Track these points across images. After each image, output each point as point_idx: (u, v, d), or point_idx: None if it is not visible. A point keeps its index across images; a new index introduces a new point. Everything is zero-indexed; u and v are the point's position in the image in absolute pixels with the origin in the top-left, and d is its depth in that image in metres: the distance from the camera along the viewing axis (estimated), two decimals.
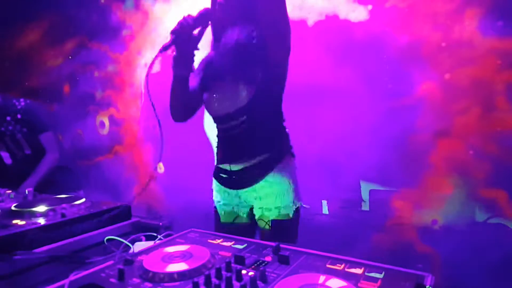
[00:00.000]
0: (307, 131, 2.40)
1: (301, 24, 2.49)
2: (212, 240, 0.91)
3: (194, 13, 1.45)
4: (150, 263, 0.75)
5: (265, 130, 1.45)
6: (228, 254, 0.81)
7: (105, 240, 1.02)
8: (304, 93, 2.45)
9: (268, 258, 0.77)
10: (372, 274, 0.69)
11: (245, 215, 1.55)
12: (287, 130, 1.52)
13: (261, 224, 1.47)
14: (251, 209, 1.53)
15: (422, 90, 2.16)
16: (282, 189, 1.44)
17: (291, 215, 1.45)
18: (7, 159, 2.54)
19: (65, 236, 1.03)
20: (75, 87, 4.05)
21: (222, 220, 1.59)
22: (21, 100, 2.45)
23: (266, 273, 0.69)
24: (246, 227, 1.56)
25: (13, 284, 0.86)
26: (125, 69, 3.65)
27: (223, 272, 0.70)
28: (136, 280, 0.70)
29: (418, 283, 0.63)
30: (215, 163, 1.58)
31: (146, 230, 1.02)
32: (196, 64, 1.50)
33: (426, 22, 2.13)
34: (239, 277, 0.67)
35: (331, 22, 2.42)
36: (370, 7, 2.30)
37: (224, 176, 1.53)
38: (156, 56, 1.33)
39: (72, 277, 0.72)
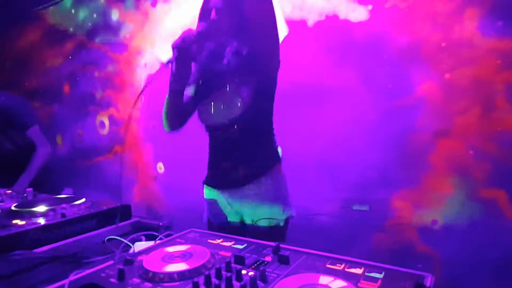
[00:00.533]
0: (306, 131, 2.40)
1: (301, 24, 2.49)
2: (212, 240, 0.91)
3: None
4: (150, 263, 0.75)
5: (256, 140, 1.52)
6: (228, 254, 0.81)
7: (105, 239, 1.02)
8: (304, 93, 2.45)
9: (268, 258, 0.77)
10: (372, 274, 0.69)
11: (237, 220, 1.59)
12: (276, 143, 1.58)
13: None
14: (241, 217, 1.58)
15: (422, 90, 2.16)
16: (272, 200, 1.47)
17: (281, 224, 1.49)
18: None
19: (65, 236, 1.03)
20: (75, 87, 4.05)
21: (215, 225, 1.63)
22: None
23: (266, 273, 0.69)
24: (237, 227, 1.59)
25: (13, 284, 0.86)
26: (125, 69, 3.65)
27: (223, 272, 0.70)
28: (136, 280, 0.70)
29: (418, 283, 0.63)
30: (208, 170, 1.63)
31: (146, 230, 1.02)
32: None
33: (426, 22, 2.13)
34: (239, 277, 0.67)
35: (331, 22, 2.41)
36: (370, 7, 2.30)
37: (214, 177, 1.55)
38: (159, 69, 1.36)
39: (72, 277, 0.72)
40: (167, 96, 1.49)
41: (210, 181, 1.61)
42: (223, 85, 1.46)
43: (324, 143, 2.32)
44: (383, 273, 0.69)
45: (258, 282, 0.66)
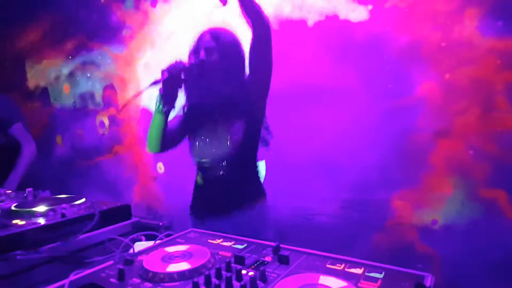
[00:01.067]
0: (306, 131, 2.40)
1: (301, 24, 2.49)
2: (212, 240, 0.91)
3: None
4: (150, 263, 0.75)
5: (244, 174, 1.58)
6: (228, 254, 0.81)
7: (107, 239, 1.02)
8: (304, 93, 2.45)
9: (268, 258, 0.77)
10: (372, 274, 0.69)
11: None
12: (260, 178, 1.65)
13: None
14: None
15: (422, 90, 2.16)
16: (254, 230, 1.54)
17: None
18: None
19: (65, 236, 1.03)
20: (75, 87, 4.05)
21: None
22: None
23: (266, 273, 0.69)
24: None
25: (13, 284, 0.86)
26: (125, 69, 3.65)
27: (223, 272, 0.70)
28: (136, 280, 0.70)
29: (418, 283, 0.63)
30: (193, 199, 1.71)
31: (146, 230, 1.02)
32: (177, 107, 1.60)
33: (426, 22, 2.13)
34: (239, 277, 0.67)
35: (331, 22, 2.41)
36: (370, 7, 2.30)
37: (200, 211, 1.66)
38: (146, 88, 1.43)
39: (72, 277, 0.72)
40: (152, 117, 1.55)
41: (195, 212, 1.67)
42: (212, 122, 1.55)
43: (324, 143, 2.32)
44: (383, 273, 0.69)
45: (258, 282, 0.66)
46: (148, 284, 0.68)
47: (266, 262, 0.75)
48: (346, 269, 0.71)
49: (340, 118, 2.29)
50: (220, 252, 0.82)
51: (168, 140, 1.63)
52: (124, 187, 3.64)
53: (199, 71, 1.50)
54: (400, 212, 2.26)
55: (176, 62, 1.45)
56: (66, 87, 4.13)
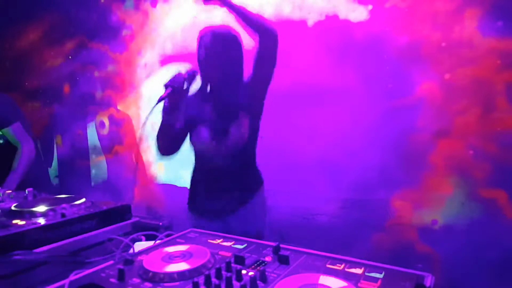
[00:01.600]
0: (307, 131, 2.40)
1: (301, 24, 2.49)
2: (212, 240, 0.91)
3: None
4: (150, 263, 0.75)
5: (244, 163, 1.63)
6: (228, 254, 0.81)
7: (107, 239, 1.02)
8: (304, 93, 2.45)
9: (268, 258, 0.77)
10: (372, 274, 0.69)
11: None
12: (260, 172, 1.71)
13: None
14: None
15: (422, 90, 2.16)
16: (253, 214, 1.62)
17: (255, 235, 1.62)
18: None
19: (65, 236, 1.03)
20: (75, 87, 4.05)
21: None
22: None
23: (266, 273, 0.69)
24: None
25: (13, 284, 0.86)
26: (125, 69, 3.65)
27: (223, 272, 0.70)
28: (136, 280, 0.70)
29: (418, 283, 0.63)
30: (190, 195, 1.73)
31: (146, 230, 1.02)
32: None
33: (426, 22, 2.13)
34: (239, 277, 0.67)
35: (331, 22, 2.42)
36: (370, 7, 2.30)
37: (200, 206, 1.68)
38: (154, 107, 1.45)
39: (72, 277, 0.72)
40: (159, 127, 1.59)
41: (194, 208, 1.68)
42: (214, 116, 1.59)
43: (324, 143, 2.32)
44: (383, 273, 0.69)
45: (258, 282, 0.66)
46: (148, 284, 0.68)
47: (266, 262, 0.75)
48: (346, 269, 0.71)
49: (340, 118, 2.29)
50: (220, 252, 0.82)
51: (179, 142, 1.67)
52: (124, 187, 3.64)
53: (202, 72, 1.54)
54: (400, 212, 2.26)
55: (176, 74, 1.49)
56: (66, 87, 4.12)
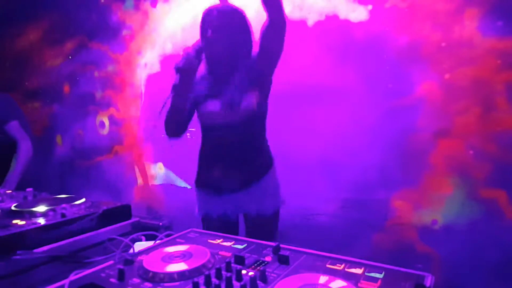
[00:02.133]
0: (307, 131, 2.40)
1: (301, 24, 2.49)
2: (212, 240, 0.91)
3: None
4: (150, 263, 0.75)
5: (255, 140, 1.62)
6: (228, 254, 0.81)
7: (107, 239, 1.02)
8: (304, 93, 2.45)
9: (268, 258, 0.77)
10: (372, 274, 0.69)
11: (232, 218, 1.67)
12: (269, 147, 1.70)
13: None
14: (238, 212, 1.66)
15: (422, 90, 2.16)
16: (268, 194, 1.61)
17: (274, 213, 1.64)
18: None
19: (65, 236, 1.03)
20: (75, 87, 4.05)
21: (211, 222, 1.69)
22: None
23: (266, 273, 0.69)
24: (232, 223, 1.68)
25: (13, 284, 0.86)
26: (125, 69, 3.65)
27: (223, 272, 0.70)
28: (136, 280, 0.70)
29: (418, 283, 0.63)
30: (199, 171, 1.71)
31: (146, 230, 1.02)
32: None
33: (426, 22, 2.13)
34: (239, 277, 0.67)
35: (331, 22, 2.42)
36: (370, 7, 2.30)
37: (211, 182, 1.65)
38: (169, 95, 1.46)
39: (72, 277, 0.72)
40: (169, 108, 1.57)
41: (206, 184, 1.66)
42: (228, 88, 1.55)
43: (324, 143, 2.32)
44: (383, 273, 0.69)
45: (258, 282, 0.66)
46: (148, 284, 0.68)
47: (266, 262, 0.75)
48: (346, 269, 0.71)
49: (340, 118, 2.29)
50: (220, 252, 0.82)
51: (187, 122, 1.66)
52: (124, 187, 3.64)
53: (208, 50, 1.53)
54: (400, 212, 2.26)
55: (185, 54, 1.47)
56: (66, 87, 4.12)
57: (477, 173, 2.02)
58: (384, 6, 2.25)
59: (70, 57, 4.01)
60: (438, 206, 2.14)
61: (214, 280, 0.67)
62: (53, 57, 4.11)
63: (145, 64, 3.51)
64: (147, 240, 1.01)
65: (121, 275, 0.71)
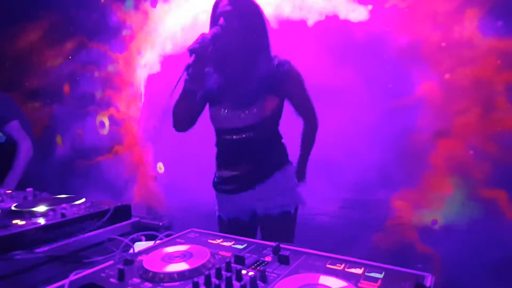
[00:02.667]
0: None
1: (301, 24, 2.49)
2: (212, 240, 0.91)
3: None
4: (150, 263, 0.75)
5: (270, 137, 1.60)
6: (228, 254, 0.81)
7: (107, 239, 1.02)
8: None
9: (268, 258, 0.77)
10: (372, 274, 0.69)
11: (247, 218, 1.65)
12: (285, 144, 1.68)
13: None
14: (253, 211, 1.59)
15: (422, 90, 2.16)
16: (284, 191, 1.57)
17: (292, 211, 1.58)
18: None
19: (65, 236, 1.03)
20: (75, 87, 4.05)
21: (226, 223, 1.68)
22: None
23: (266, 273, 0.69)
24: (247, 225, 1.65)
25: (13, 284, 0.86)
26: (125, 69, 3.65)
27: (223, 272, 0.70)
28: (136, 280, 0.70)
29: (418, 283, 0.63)
30: (216, 173, 1.68)
31: (146, 230, 1.02)
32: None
33: (426, 22, 2.13)
34: (239, 277, 0.67)
35: (331, 22, 2.42)
36: (370, 7, 2.30)
37: (226, 182, 1.62)
38: (181, 75, 1.38)
39: (72, 277, 0.72)
40: (180, 93, 1.49)
41: (222, 186, 1.64)
42: (242, 89, 1.51)
43: (324, 143, 2.32)
44: (383, 273, 0.69)
45: (258, 282, 0.66)
46: (148, 284, 0.68)
47: (266, 262, 0.75)
48: (346, 269, 0.71)
49: (340, 118, 2.29)
50: (220, 252, 0.82)
51: (196, 115, 1.62)
52: (124, 187, 3.64)
53: (223, 36, 1.44)
54: (400, 212, 2.26)
55: (200, 37, 1.39)
56: (66, 87, 4.13)
57: (477, 173, 2.02)
58: (384, 6, 2.25)
59: (70, 57, 4.01)
60: (438, 206, 2.14)
61: (214, 280, 0.67)
62: (53, 57, 4.11)
63: (145, 64, 3.51)
64: (147, 240, 1.01)
65: (121, 275, 0.71)
